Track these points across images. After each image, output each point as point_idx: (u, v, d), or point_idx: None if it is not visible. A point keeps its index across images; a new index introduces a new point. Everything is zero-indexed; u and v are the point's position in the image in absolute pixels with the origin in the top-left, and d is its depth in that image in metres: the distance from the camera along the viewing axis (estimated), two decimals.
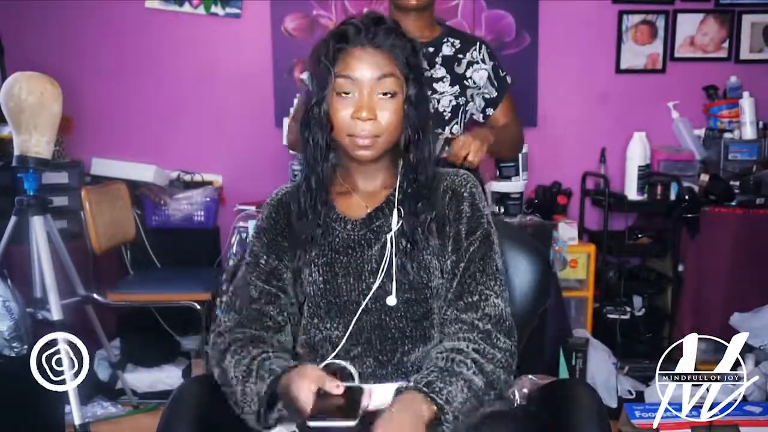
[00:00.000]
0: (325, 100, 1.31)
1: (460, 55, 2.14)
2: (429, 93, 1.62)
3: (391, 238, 1.33)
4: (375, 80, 1.28)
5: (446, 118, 2.10)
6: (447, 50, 2.13)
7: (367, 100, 1.28)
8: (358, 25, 1.29)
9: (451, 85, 2.11)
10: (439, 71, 2.10)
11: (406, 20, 2.00)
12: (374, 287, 1.32)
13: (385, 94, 1.29)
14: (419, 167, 1.35)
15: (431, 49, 2.09)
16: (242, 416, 1.26)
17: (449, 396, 1.18)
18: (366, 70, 1.28)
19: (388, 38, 1.30)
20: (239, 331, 1.33)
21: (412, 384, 1.21)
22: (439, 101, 2.07)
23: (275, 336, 1.35)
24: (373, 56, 1.29)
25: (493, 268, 1.35)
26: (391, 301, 1.32)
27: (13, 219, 2.44)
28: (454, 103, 2.12)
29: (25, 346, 2.24)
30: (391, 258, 1.32)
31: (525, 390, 1.34)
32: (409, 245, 1.33)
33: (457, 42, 2.16)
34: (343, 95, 1.29)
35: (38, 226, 2.39)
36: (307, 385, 1.17)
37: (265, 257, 1.38)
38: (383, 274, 1.32)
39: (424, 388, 1.19)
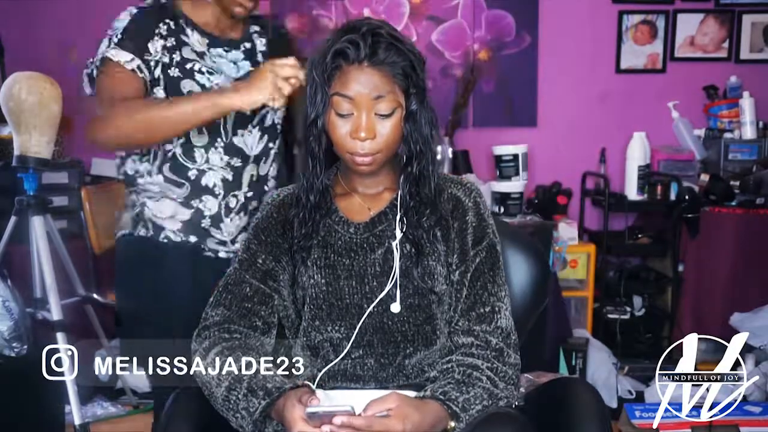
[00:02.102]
0: (322, 116, 1.30)
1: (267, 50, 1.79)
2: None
3: (396, 246, 1.33)
4: (372, 100, 1.26)
5: (278, 131, 1.74)
6: (260, 45, 1.74)
7: (365, 120, 1.27)
8: (356, 41, 1.25)
9: None
10: None
11: (229, 24, 1.67)
12: (381, 295, 1.31)
13: (383, 113, 1.28)
14: (421, 180, 1.34)
15: (248, 45, 1.70)
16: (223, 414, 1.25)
17: (465, 404, 1.20)
18: (364, 91, 1.26)
19: (388, 54, 1.26)
20: (226, 328, 1.33)
21: (428, 393, 1.21)
22: (276, 112, 1.70)
23: (261, 338, 1.34)
24: (370, 76, 1.26)
25: (502, 279, 1.36)
26: (395, 308, 1.32)
27: (13, 219, 2.43)
28: (284, 113, 1.74)
29: (25, 346, 2.24)
30: (396, 262, 1.32)
31: (522, 389, 1.34)
32: (413, 250, 1.33)
33: (262, 33, 1.76)
34: (341, 114, 1.28)
35: (38, 226, 2.39)
36: (299, 412, 1.14)
37: (263, 256, 1.37)
38: (391, 284, 1.32)
39: (441, 396, 1.20)
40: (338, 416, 1.11)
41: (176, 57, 1.59)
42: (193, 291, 1.59)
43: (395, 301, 1.31)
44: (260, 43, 1.73)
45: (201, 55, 1.62)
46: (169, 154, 1.63)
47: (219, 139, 1.63)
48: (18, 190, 2.47)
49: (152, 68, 1.58)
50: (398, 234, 1.34)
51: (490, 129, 3.46)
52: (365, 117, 1.27)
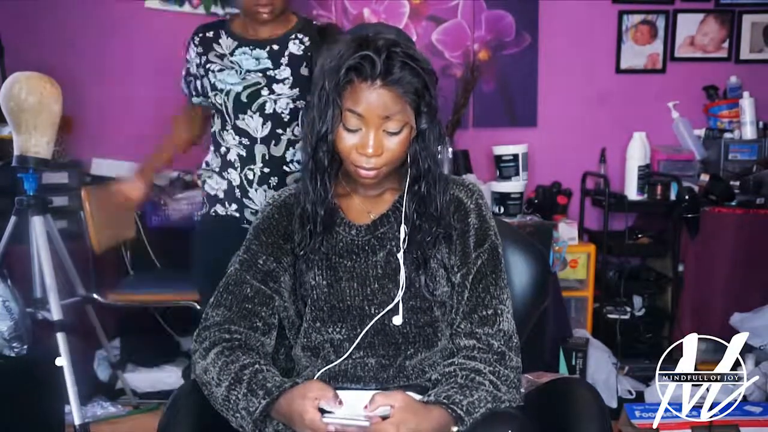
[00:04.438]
0: (332, 132, 1.27)
1: (310, 53, 1.96)
2: (269, 93, 1.93)
3: (401, 262, 1.33)
4: (382, 118, 1.25)
5: (285, 120, 1.97)
6: (294, 48, 1.97)
7: (373, 137, 1.25)
8: (371, 58, 1.22)
9: (291, 87, 1.95)
10: (284, 71, 1.95)
11: (261, 27, 1.96)
12: (389, 307, 1.31)
13: (392, 131, 1.27)
14: (428, 199, 1.33)
15: (276, 47, 1.97)
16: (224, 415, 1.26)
17: (470, 407, 1.20)
18: (374, 109, 1.24)
19: (402, 74, 1.23)
20: (226, 328, 1.32)
21: (432, 398, 1.21)
22: (276, 102, 1.95)
23: (261, 338, 1.34)
24: (382, 96, 1.23)
25: (504, 282, 1.37)
26: (398, 320, 1.32)
27: (13, 219, 2.44)
28: (291, 105, 1.96)
29: (25, 346, 2.24)
30: (402, 277, 1.32)
31: (522, 390, 1.34)
32: (418, 260, 1.33)
33: (306, 39, 1.98)
34: (349, 129, 1.26)
35: (38, 226, 2.39)
36: (310, 404, 1.16)
37: (263, 257, 1.37)
38: (399, 297, 1.32)
39: (445, 401, 1.20)
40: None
41: (203, 59, 1.99)
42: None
43: (397, 313, 1.32)
44: (295, 48, 1.95)
45: (221, 57, 1.97)
46: (212, 130, 2.04)
47: (227, 122, 1.98)
48: (18, 190, 2.47)
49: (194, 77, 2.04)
50: (402, 242, 1.33)
51: (490, 129, 3.45)
52: (373, 134, 1.25)
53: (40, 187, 2.47)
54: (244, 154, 1.97)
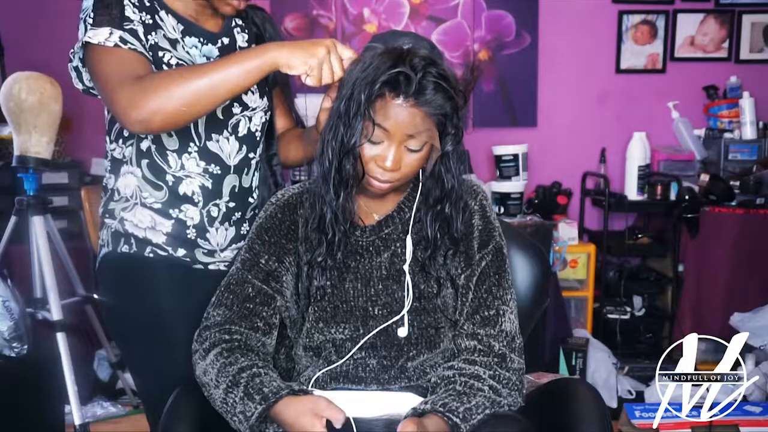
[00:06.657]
0: (358, 138, 1.25)
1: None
2: (241, 110, 1.51)
3: (408, 272, 1.33)
4: (407, 135, 1.24)
5: (257, 139, 1.57)
6: (241, 41, 1.57)
7: (394, 152, 1.24)
8: (408, 75, 1.20)
9: (261, 95, 1.56)
10: None
11: (211, 13, 1.50)
12: (394, 319, 1.32)
13: (413, 149, 1.26)
14: (451, 220, 1.32)
15: (226, 41, 1.53)
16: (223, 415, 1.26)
17: (466, 413, 1.19)
18: (401, 126, 1.23)
19: (435, 97, 1.22)
20: (227, 329, 1.32)
21: (429, 406, 1.20)
22: (251, 119, 1.54)
23: (262, 338, 1.34)
24: (412, 115, 1.22)
25: (508, 283, 1.36)
26: (403, 332, 1.32)
27: (13, 219, 2.44)
28: (264, 119, 1.58)
29: (25, 346, 2.25)
30: (409, 290, 1.32)
31: (523, 391, 1.34)
32: (424, 266, 1.33)
33: (245, 27, 1.58)
34: (372, 141, 1.25)
35: (38, 226, 2.39)
36: (320, 423, 1.16)
37: (265, 257, 1.37)
38: (406, 309, 1.32)
39: (441, 409, 1.19)
40: None
41: (150, 39, 1.40)
42: (188, 307, 1.45)
43: (403, 325, 1.31)
44: (241, 39, 1.56)
45: (174, 43, 1.44)
46: (143, 146, 1.47)
47: (192, 144, 1.47)
48: (18, 190, 2.47)
49: (139, 34, 1.38)
50: (408, 253, 1.33)
51: (490, 129, 3.45)
52: (395, 149, 1.24)
53: (40, 187, 2.47)
54: (210, 186, 1.49)
